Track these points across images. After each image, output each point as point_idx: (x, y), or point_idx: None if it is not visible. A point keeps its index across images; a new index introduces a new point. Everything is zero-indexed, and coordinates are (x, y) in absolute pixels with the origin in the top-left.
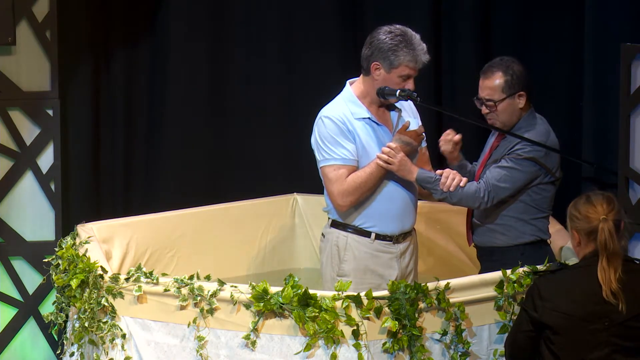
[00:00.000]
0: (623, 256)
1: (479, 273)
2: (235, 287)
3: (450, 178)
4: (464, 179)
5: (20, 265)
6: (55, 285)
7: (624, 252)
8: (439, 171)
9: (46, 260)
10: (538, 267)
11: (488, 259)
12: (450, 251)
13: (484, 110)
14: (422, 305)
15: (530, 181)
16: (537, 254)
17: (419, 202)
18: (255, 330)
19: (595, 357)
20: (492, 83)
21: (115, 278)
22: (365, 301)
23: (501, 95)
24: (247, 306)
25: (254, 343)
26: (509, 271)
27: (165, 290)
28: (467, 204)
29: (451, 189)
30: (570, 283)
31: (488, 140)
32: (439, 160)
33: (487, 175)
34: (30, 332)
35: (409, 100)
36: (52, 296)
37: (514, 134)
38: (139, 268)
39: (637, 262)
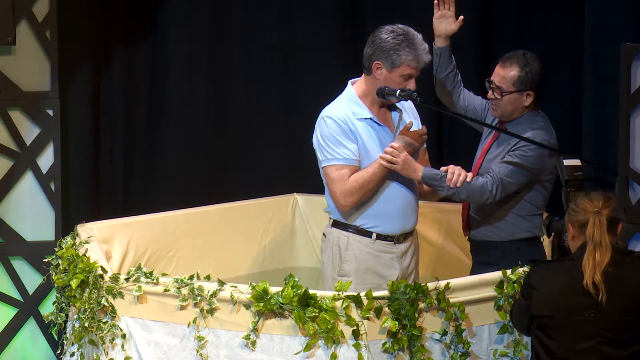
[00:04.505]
0: (614, 248)
1: (471, 267)
2: (235, 287)
3: (456, 174)
4: (470, 174)
5: (20, 265)
6: (55, 285)
7: (620, 248)
8: (443, 168)
9: (46, 260)
10: None
11: (482, 253)
12: (450, 251)
13: (490, 94)
14: (422, 305)
15: (533, 178)
16: (532, 251)
17: (419, 202)
18: (255, 330)
19: (583, 348)
20: (506, 73)
21: (115, 278)
22: (365, 301)
23: (510, 87)
24: (247, 306)
25: (254, 343)
26: (509, 271)
27: (165, 290)
28: (475, 199)
29: (458, 184)
30: (559, 274)
31: (482, 137)
32: (439, 160)
33: (494, 170)
34: (30, 332)
35: (408, 100)
36: (52, 296)
37: (513, 133)
38: (139, 268)
39: (635, 254)
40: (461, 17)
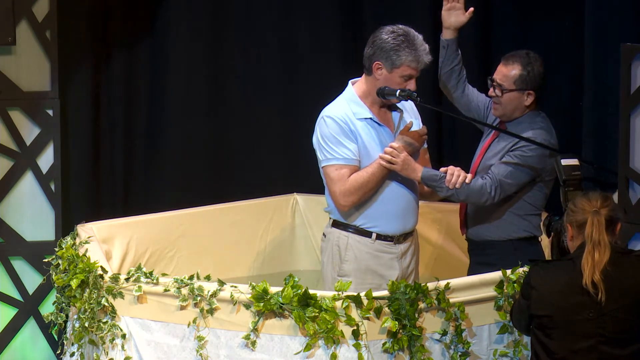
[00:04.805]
0: (613, 248)
1: (469, 267)
2: (235, 287)
3: (455, 175)
4: (469, 175)
5: (20, 265)
6: (55, 285)
7: (619, 247)
8: (442, 169)
9: (46, 260)
10: None
11: (480, 252)
12: (450, 251)
13: (491, 92)
14: (422, 305)
15: (533, 178)
16: (530, 250)
17: (419, 202)
18: (255, 330)
19: (582, 348)
20: (508, 71)
21: (115, 278)
22: (365, 301)
23: (512, 86)
24: (247, 306)
25: (254, 343)
26: (508, 271)
27: (165, 290)
28: (474, 200)
29: (457, 185)
30: (558, 274)
31: (483, 136)
32: (439, 160)
33: (494, 171)
34: (30, 332)
35: (409, 100)
36: (52, 296)
37: (513, 133)
38: (139, 268)
39: (634, 254)
40: (471, 9)
